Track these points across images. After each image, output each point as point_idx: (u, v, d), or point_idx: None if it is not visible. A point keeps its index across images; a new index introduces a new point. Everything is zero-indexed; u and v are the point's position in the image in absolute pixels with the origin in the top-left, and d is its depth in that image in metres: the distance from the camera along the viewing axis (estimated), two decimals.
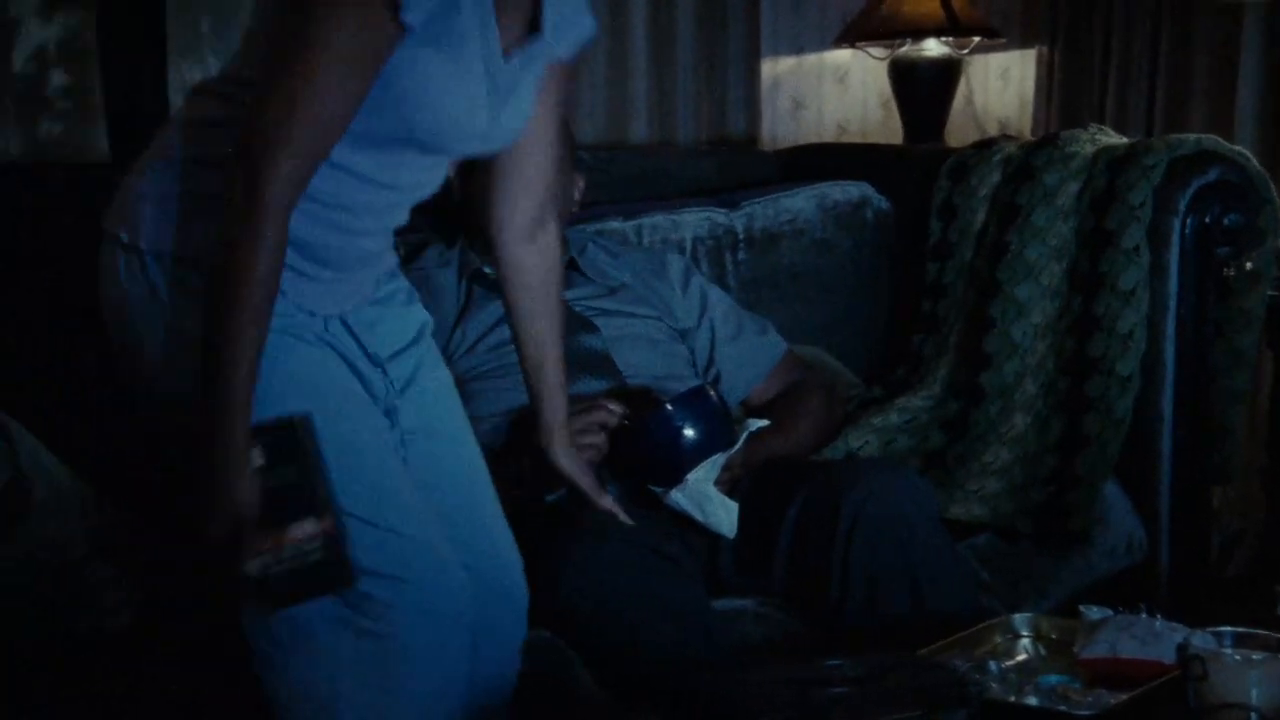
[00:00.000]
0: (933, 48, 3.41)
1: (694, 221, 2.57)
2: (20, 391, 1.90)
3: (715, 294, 2.33)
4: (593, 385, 2.08)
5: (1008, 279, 2.46)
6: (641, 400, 2.05)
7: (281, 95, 1.35)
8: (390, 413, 1.59)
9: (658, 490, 1.93)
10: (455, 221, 2.21)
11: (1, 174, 2.25)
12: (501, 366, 2.09)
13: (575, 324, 2.12)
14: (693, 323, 2.27)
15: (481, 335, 2.12)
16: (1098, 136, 2.58)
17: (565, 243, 1.97)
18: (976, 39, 3.45)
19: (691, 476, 1.90)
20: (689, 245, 2.57)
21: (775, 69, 3.48)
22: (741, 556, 2.02)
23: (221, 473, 1.38)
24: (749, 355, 2.29)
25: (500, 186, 1.72)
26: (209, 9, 2.73)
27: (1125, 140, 2.57)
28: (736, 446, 1.94)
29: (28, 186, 2.18)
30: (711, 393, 1.96)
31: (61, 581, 1.65)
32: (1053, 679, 1.54)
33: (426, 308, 1.88)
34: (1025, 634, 1.73)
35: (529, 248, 1.76)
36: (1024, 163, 2.54)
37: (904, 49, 3.43)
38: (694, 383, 2.18)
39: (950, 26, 3.34)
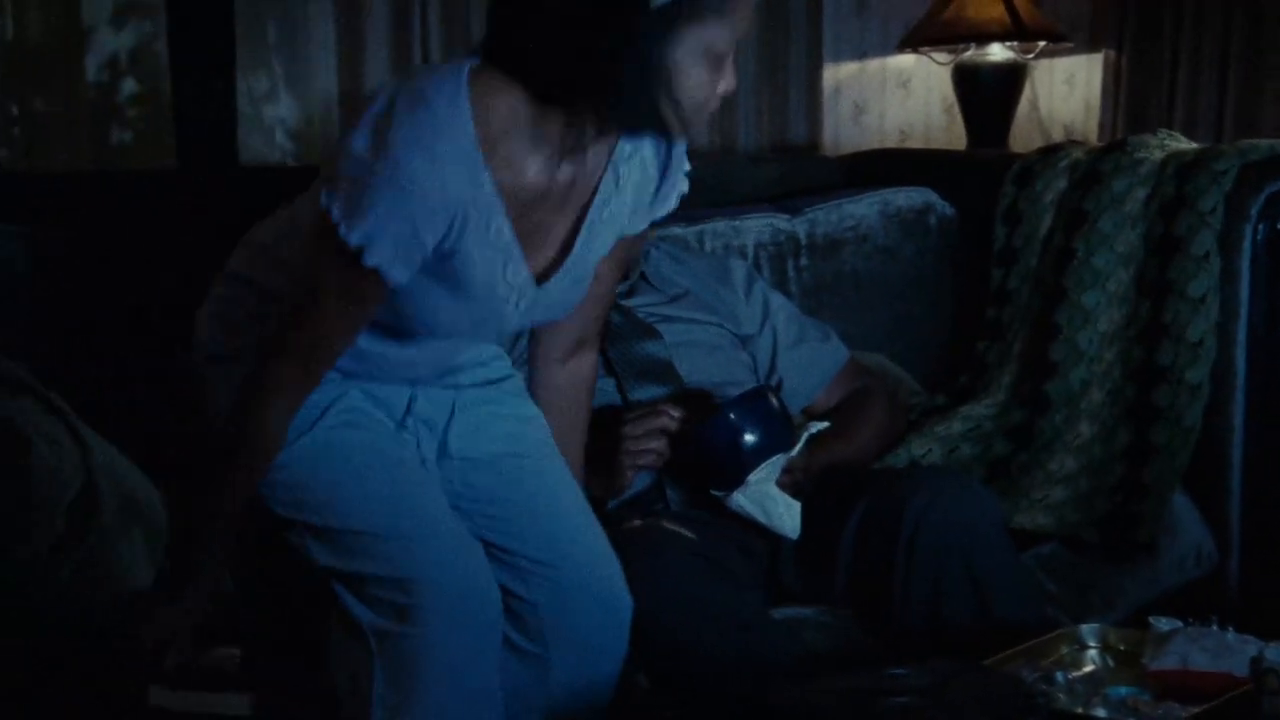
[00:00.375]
0: (997, 52, 3.38)
1: (756, 227, 2.57)
2: (93, 397, 1.92)
3: (777, 300, 2.33)
4: (654, 392, 2.08)
5: (1074, 286, 2.43)
6: (701, 404, 2.05)
7: (294, 320, 1.53)
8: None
9: (719, 494, 1.92)
10: None
11: (75, 181, 2.28)
12: None
13: (638, 331, 2.13)
14: (755, 329, 2.27)
15: None
16: (1166, 142, 2.55)
17: (604, 343, 1.99)
18: (1042, 43, 3.42)
19: (753, 478, 1.89)
20: (751, 251, 2.56)
21: (837, 75, 3.47)
22: (803, 564, 2.01)
23: (180, 574, 1.60)
24: (811, 362, 2.28)
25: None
26: (275, 19, 2.77)
27: (1195, 146, 2.54)
28: (797, 448, 1.93)
29: (99, 194, 2.21)
30: (770, 394, 1.96)
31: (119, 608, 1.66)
32: (1122, 691, 1.52)
33: None
34: (1093, 645, 1.71)
35: (561, 369, 1.81)
36: (1091, 168, 2.51)
37: (968, 54, 3.41)
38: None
39: (1015, 31, 3.31)
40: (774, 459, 1.90)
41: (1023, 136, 3.56)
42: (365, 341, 1.60)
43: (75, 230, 2.11)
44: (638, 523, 1.94)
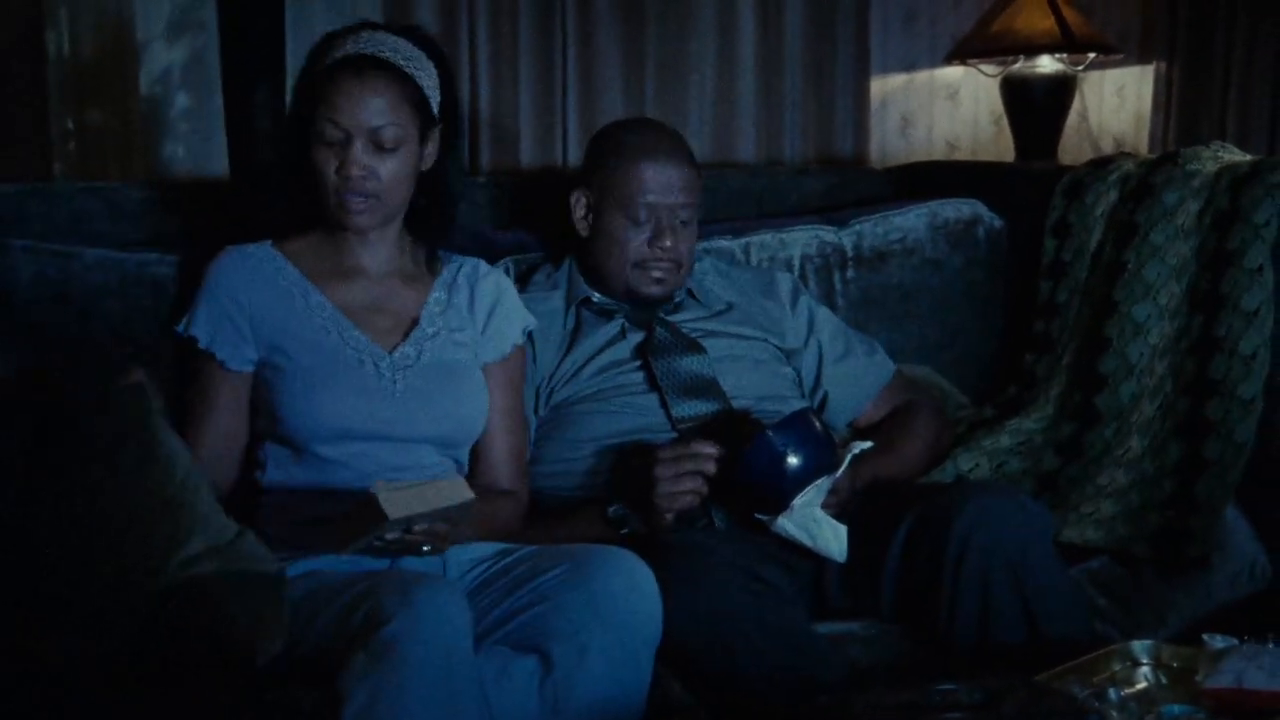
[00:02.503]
0: (1046, 64, 3.37)
1: (802, 240, 2.56)
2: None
3: (823, 314, 2.32)
4: (698, 407, 2.08)
5: (1125, 298, 2.41)
6: (741, 424, 2.05)
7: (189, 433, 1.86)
8: None
9: (764, 518, 1.92)
10: (569, 247, 2.24)
11: (129, 192, 2.30)
12: (606, 390, 2.11)
13: (683, 346, 2.13)
14: (800, 343, 2.26)
15: (589, 358, 2.14)
16: (1219, 154, 2.53)
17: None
18: (1092, 55, 3.40)
19: (797, 502, 1.88)
20: (797, 263, 2.56)
21: (884, 87, 3.46)
22: (849, 579, 2.00)
23: None
24: (857, 376, 2.27)
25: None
26: (325, 32, 2.79)
27: (1249, 157, 2.51)
28: (842, 470, 1.93)
29: (153, 206, 2.24)
30: (812, 416, 1.95)
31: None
32: (1176, 709, 1.50)
33: (534, 332, 2.11)
34: (1145, 661, 1.69)
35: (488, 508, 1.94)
36: (1143, 180, 2.49)
37: (1017, 66, 3.39)
38: (798, 404, 2.17)
39: (1065, 43, 3.30)
40: (819, 482, 1.89)
41: (1072, 148, 3.54)
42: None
43: (129, 240, 2.13)
44: (681, 538, 1.94)
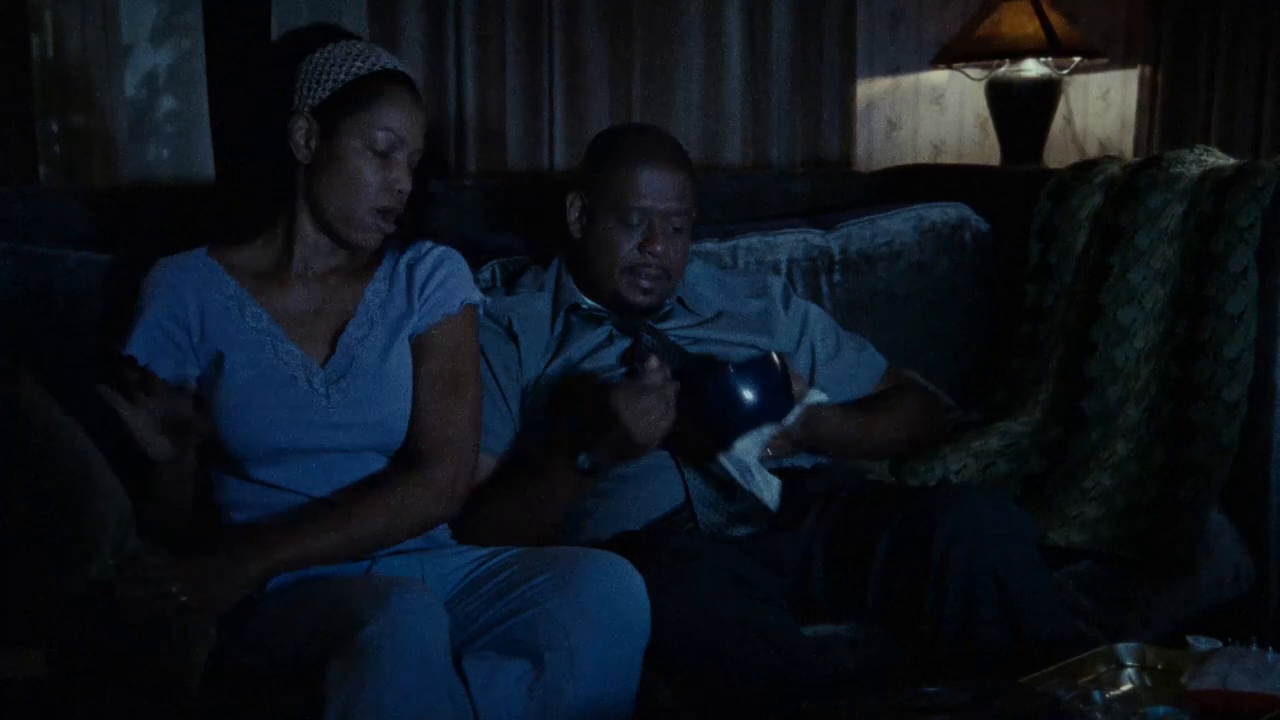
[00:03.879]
0: (1032, 68, 3.38)
1: (790, 243, 2.57)
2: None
3: (815, 312, 2.32)
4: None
5: (1110, 302, 2.42)
6: (708, 364, 2.06)
7: None
8: None
9: (713, 451, 1.94)
10: (556, 250, 2.24)
11: (111, 196, 2.29)
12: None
13: (670, 355, 2.13)
14: (792, 344, 2.26)
15: (575, 363, 2.13)
16: (1204, 157, 2.53)
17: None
18: (1077, 59, 3.41)
19: (739, 444, 1.91)
20: (784, 266, 2.56)
21: (870, 90, 3.47)
22: (834, 582, 2.00)
23: None
24: (850, 373, 2.27)
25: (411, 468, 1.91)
26: None
27: (1232, 161, 2.52)
28: (787, 421, 1.94)
29: (135, 208, 2.23)
30: (776, 362, 1.95)
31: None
32: (1161, 711, 1.51)
33: (521, 334, 2.07)
34: (1130, 664, 1.69)
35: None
36: (1127, 184, 2.50)
37: (1002, 69, 3.40)
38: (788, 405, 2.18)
39: (1050, 47, 3.31)
40: (761, 429, 1.91)
41: (1057, 152, 3.55)
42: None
43: (113, 243, 2.12)
44: (667, 541, 1.94)
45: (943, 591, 1.86)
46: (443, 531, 1.91)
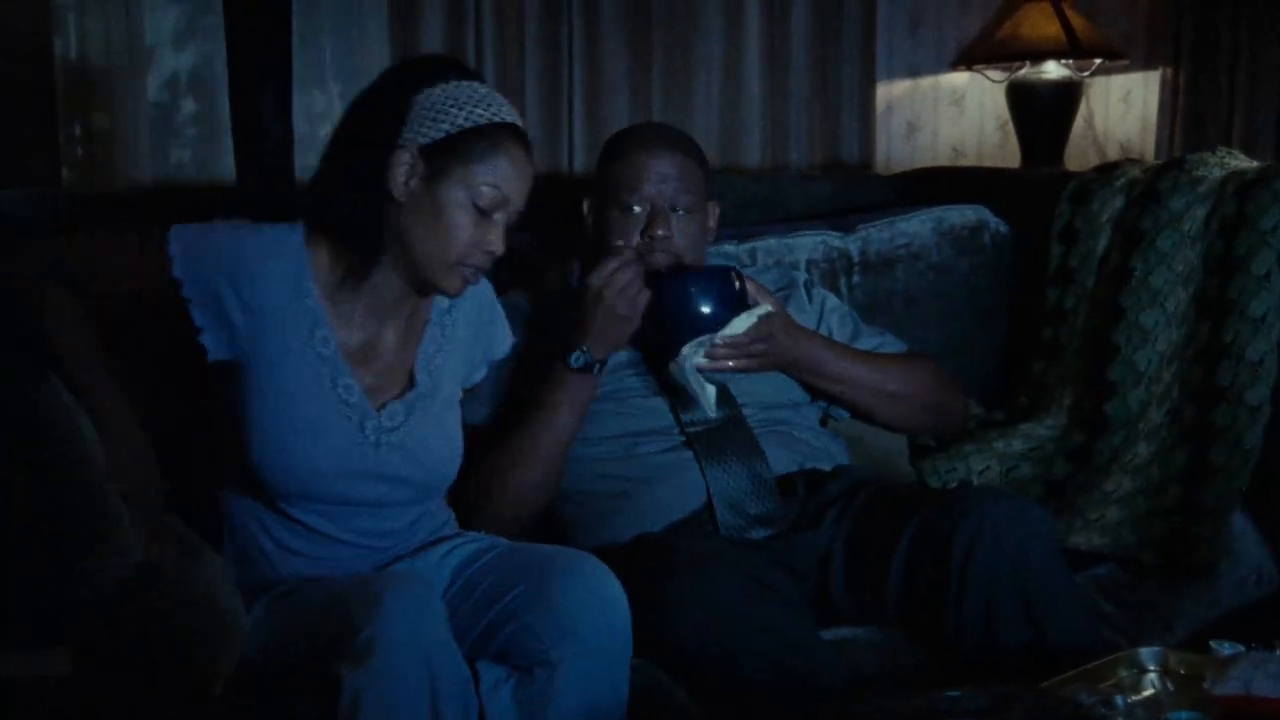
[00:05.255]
0: (1052, 70, 3.37)
1: (808, 245, 2.56)
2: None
3: (832, 301, 2.32)
4: (708, 413, 2.07)
5: (1132, 305, 2.41)
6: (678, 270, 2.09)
7: None
8: None
9: (669, 358, 1.98)
10: (576, 247, 2.24)
11: (134, 198, 2.30)
12: (617, 390, 2.10)
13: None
14: (810, 328, 2.25)
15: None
16: (1226, 160, 2.52)
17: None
18: (1098, 61, 3.40)
19: (685, 349, 1.95)
20: (803, 268, 2.55)
21: (890, 92, 3.46)
22: (853, 585, 2.00)
23: None
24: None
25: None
26: (332, 39, 2.81)
27: (1255, 163, 2.51)
28: (726, 331, 1.96)
29: (158, 210, 2.24)
30: (734, 277, 1.99)
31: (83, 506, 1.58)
32: (1183, 716, 1.49)
33: (545, 330, 2.05)
34: (1152, 668, 1.68)
35: None
36: (1149, 187, 2.49)
37: (1022, 71, 3.39)
38: (808, 410, 2.17)
39: (1071, 49, 3.30)
40: (703, 338, 1.95)
41: (1078, 154, 3.54)
42: (285, 542, 1.75)
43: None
44: (686, 544, 1.94)
45: (963, 594, 1.86)
46: (437, 521, 1.88)
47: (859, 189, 2.89)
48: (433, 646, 1.55)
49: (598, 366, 1.99)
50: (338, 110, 2.80)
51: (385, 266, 1.74)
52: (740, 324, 1.97)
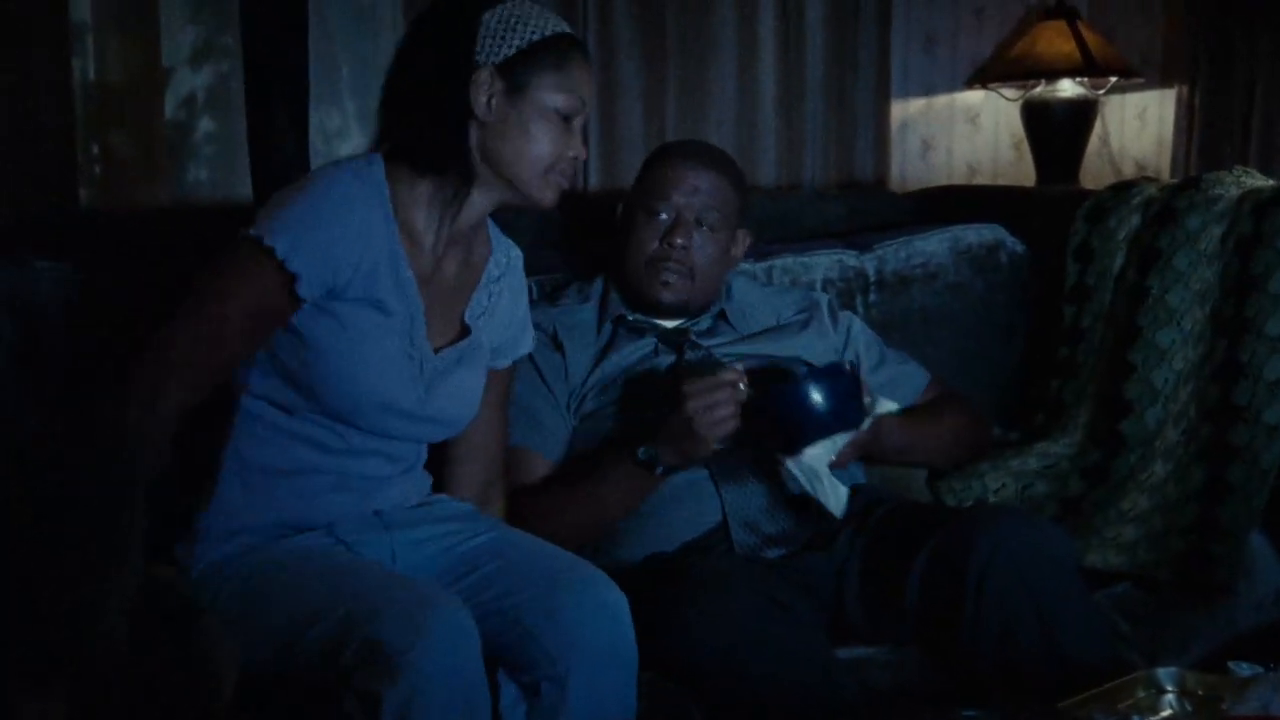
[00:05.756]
0: (1067, 88, 3.37)
1: (824, 263, 2.56)
2: None
3: (858, 325, 2.32)
4: None
5: (1149, 324, 2.41)
6: (774, 373, 2.06)
7: (178, 325, 1.65)
8: None
9: (778, 455, 1.93)
10: (600, 264, 2.25)
11: (152, 218, 2.31)
12: (638, 406, 2.10)
13: (714, 370, 2.12)
14: (836, 358, 2.25)
15: (620, 372, 2.13)
16: (1242, 179, 2.52)
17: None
18: (1113, 79, 3.40)
19: (809, 451, 1.90)
20: (820, 287, 2.56)
21: (905, 110, 3.46)
22: (869, 604, 2.00)
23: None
24: (892, 382, 2.27)
25: (451, 459, 1.93)
26: (347, 59, 2.82)
27: (1271, 182, 2.51)
28: (860, 429, 1.93)
29: (175, 229, 2.25)
30: (849, 371, 1.94)
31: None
32: None
33: (566, 343, 2.08)
34: (1170, 689, 1.67)
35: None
36: (1165, 205, 2.48)
37: (1037, 90, 3.39)
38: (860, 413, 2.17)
39: (1086, 67, 3.30)
40: (835, 437, 1.90)
41: (1093, 173, 3.54)
42: (286, 455, 1.74)
43: (152, 265, 2.13)
44: (700, 563, 1.93)
45: (979, 613, 1.85)
46: (426, 482, 1.89)
47: (874, 207, 2.89)
48: (472, 672, 1.54)
49: (661, 469, 1.95)
50: (354, 128, 2.80)
51: (474, 198, 1.78)
52: (868, 421, 1.95)
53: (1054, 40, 3.32)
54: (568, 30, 1.79)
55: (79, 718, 1.40)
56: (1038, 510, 2.33)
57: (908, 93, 3.46)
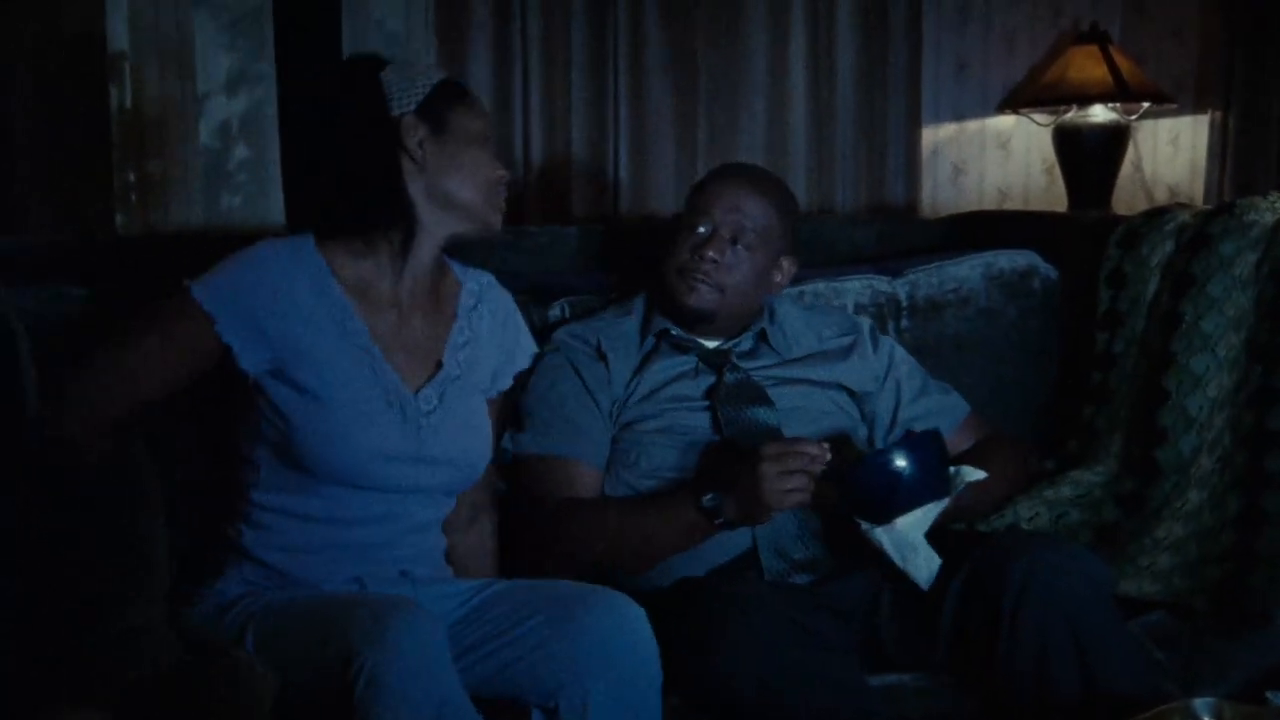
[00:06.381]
0: (1099, 113, 3.36)
1: (856, 289, 2.55)
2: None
3: (900, 353, 2.32)
4: None
5: (1182, 350, 2.39)
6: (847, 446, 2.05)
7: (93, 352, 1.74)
8: None
9: (863, 525, 1.91)
10: (637, 282, 2.25)
11: (187, 243, 2.33)
12: (674, 425, 2.10)
13: (751, 395, 2.12)
14: (877, 385, 2.25)
15: (661, 386, 2.14)
16: (1277, 204, 2.50)
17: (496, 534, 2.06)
18: (1146, 104, 3.39)
19: (901, 521, 1.88)
20: (851, 311, 2.55)
21: (936, 136, 3.46)
22: (902, 631, 1.98)
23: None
24: (934, 411, 2.26)
25: None
26: None
27: None
28: (950, 498, 1.92)
29: (209, 255, 2.26)
30: (938, 441, 1.93)
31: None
32: None
33: (610, 354, 2.12)
34: (1206, 719, 1.65)
35: (462, 539, 1.95)
36: (1199, 231, 2.47)
37: (1069, 115, 3.38)
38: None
39: (1118, 92, 3.29)
40: (928, 507, 1.88)
41: (1126, 198, 3.52)
42: (306, 536, 1.78)
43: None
44: (729, 588, 1.93)
45: (1015, 641, 1.84)
46: (438, 558, 1.92)
47: (906, 232, 2.88)
48: (437, 682, 1.54)
49: (721, 519, 1.95)
50: None
51: (418, 253, 1.85)
52: (958, 489, 1.93)
53: (1086, 65, 3.32)
54: (447, 75, 1.92)
55: None
56: (1072, 538, 2.32)
57: (939, 118, 3.46)
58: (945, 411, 2.27)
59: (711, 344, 2.19)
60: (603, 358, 2.13)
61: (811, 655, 1.81)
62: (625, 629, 1.68)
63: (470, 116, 1.86)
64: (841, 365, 2.22)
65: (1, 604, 1.44)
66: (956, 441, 2.26)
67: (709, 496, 1.93)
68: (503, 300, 2.01)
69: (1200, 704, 1.67)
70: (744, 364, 2.17)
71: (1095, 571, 1.91)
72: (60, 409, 1.67)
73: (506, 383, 2.00)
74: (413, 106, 1.81)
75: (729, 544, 2.03)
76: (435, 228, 1.85)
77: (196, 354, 1.76)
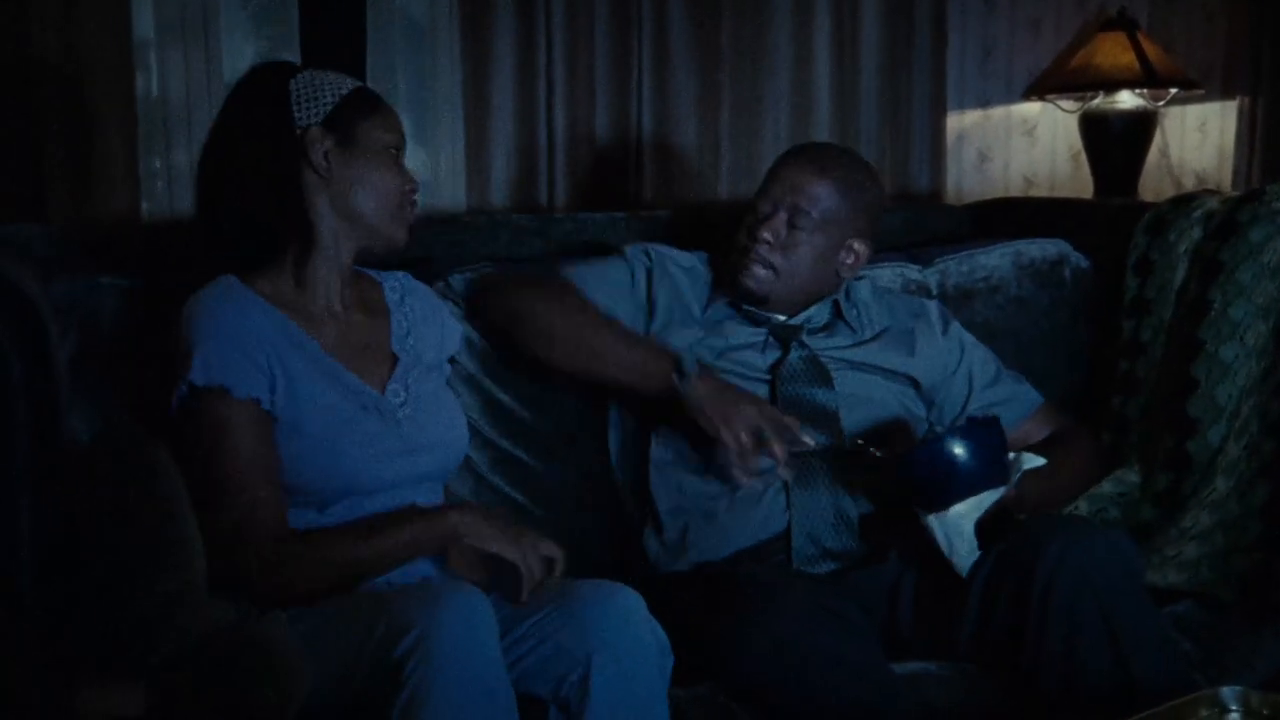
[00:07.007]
0: (1126, 100, 3.34)
1: (887, 277, 2.54)
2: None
3: (971, 339, 2.31)
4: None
5: (1211, 338, 2.38)
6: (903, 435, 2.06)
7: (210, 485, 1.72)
8: None
9: (919, 509, 1.91)
10: (716, 256, 2.26)
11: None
12: None
13: (813, 375, 2.11)
14: (949, 371, 2.24)
15: (726, 350, 2.15)
16: None
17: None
18: (1173, 90, 3.36)
19: (955, 509, 1.88)
20: None
21: (961, 122, 3.45)
22: (923, 617, 1.98)
23: None
24: (1006, 399, 2.25)
25: None
26: (405, 75, 2.84)
27: None
28: (1008, 487, 1.91)
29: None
30: (993, 427, 1.93)
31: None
32: None
33: (660, 287, 2.17)
34: (1234, 709, 1.65)
35: None
36: (1228, 218, 2.45)
37: (1096, 101, 3.36)
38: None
39: (1145, 78, 3.27)
40: (982, 496, 1.88)
41: (1152, 185, 3.50)
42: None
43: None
44: (754, 573, 1.93)
45: (1044, 626, 1.83)
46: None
47: (932, 219, 2.88)
48: (489, 653, 1.56)
49: (681, 378, 1.98)
50: (411, 145, 2.84)
51: (317, 268, 1.84)
52: (1016, 478, 1.93)
53: (1113, 51, 3.30)
54: (361, 84, 1.89)
55: (157, 709, 1.44)
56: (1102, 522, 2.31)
57: (964, 104, 3.45)
58: (1019, 399, 2.26)
59: (782, 318, 2.18)
60: (650, 283, 2.17)
61: (836, 639, 1.81)
62: (629, 619, 1.69)
63: (381, 128, 1.83)
64: (911, 348, 2.21)
65: (28, 582, 1.45)
66: (1028, 431, 2.25)
67: (694, 362, 1.98)
68: (424, 291, 2.03)
69: (1228, 693, 1.66)
70: (818, 342, 2.16)
71: (1129, 554, 1.90)
72: (252, 530, 1.70)
73: (448, 369, 2.04)
74: (320, 117, 1.80)
75: (766, 524, 2.03)
76: (339, 241, 1.84)
77: (261, 423, 1.76)
